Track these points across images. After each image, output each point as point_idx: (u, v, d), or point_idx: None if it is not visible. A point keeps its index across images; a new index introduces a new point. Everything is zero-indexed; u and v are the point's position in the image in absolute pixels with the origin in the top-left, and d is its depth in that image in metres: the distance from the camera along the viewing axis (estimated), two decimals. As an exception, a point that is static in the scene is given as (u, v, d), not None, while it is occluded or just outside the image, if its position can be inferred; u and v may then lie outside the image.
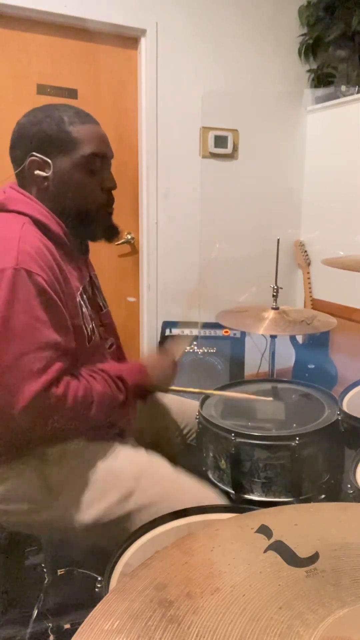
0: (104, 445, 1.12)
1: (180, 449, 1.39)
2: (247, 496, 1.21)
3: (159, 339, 2.76)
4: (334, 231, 2.90)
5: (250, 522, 0.64)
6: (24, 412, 0.91)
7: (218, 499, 1.12)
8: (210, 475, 1.28)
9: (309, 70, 2.97)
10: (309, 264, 3.07)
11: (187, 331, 2.65)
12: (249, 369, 2.73)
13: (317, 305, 3.03)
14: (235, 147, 2.86)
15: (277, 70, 2.91)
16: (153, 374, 1.17)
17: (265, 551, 0.59)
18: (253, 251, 2.86)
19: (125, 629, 0.48)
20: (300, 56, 2.95)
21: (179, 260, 2.83)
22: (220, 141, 2.80)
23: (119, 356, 1.30)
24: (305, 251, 3.09)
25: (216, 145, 2.79)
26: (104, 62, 2.54)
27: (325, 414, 1.30)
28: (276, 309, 1.66)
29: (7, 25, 2.30)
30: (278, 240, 1.77)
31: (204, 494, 1.12)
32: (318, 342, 2.84)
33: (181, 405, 1.45)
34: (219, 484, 1.25)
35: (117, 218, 1.19)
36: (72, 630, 0.80)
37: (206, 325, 2.63)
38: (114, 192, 1.17)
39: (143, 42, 2.56)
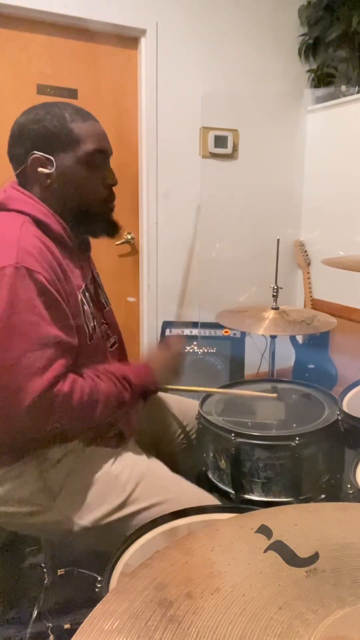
0: (104, 449, 1.12)
1: (180, 448, 1.39)
2: (247, 496, 1.21)
3: (159, 339, 2.76)
4: (334, 231, 2.90)
5: (250, 522, 0.64)
6: (30, 410, 0.90)
7: (216, 502, 1.12)
8: (210, 475, 1.28)
9: (309, 70, 2.97)
10: (309, 264, 3.07)
11: (187, 331, 2.65)
12: (249, 369, 2.73)
13: (317, 305, 3.03)
14: (235, 147, 2.86)
15: (277, 70, 2.91)
16: (158, 373, 1.17)
17: (265, 551, 0.59)
18: (253, 251, 2.86)
19: (125, 629, 0.48)
20: (300, 56, 2.95)
21: (179, 260, 2.83)
22: (220, 141, 2.80)
23: (121, 354, 1.30)
24: (305, 251, 3.08)
25: (216, 145, 2.79)
26: (104, 62, 2.54)
27: (325, 414, 1.30)
28: (276, 309, 1.66)
29: (7, 25, 2.30)
30: (278, 240, 1.77)
31: (203, 499, 1.12)
32: (318, 342, 2.84)
33: (181, 404, 1.45)
34: (219, 484, 1.25)
35: (117, 218, 1.19)
36: (72, 630, 0.80)
37: (206, 325, 2.64)
38: (116, 193, 1.17)
39: (143, 42, 2.56)
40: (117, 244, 2.70)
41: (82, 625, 0.49)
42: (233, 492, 1.22)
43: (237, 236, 2.95)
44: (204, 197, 2.81)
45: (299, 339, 2.91)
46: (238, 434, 1.19)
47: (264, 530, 0.62)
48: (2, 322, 0.91)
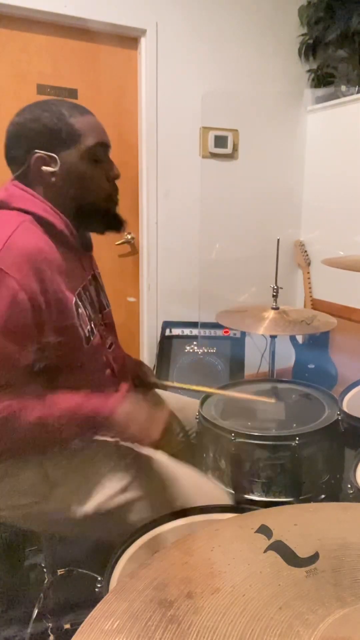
0: (103, 440, 1.12)
1: (179, 448, 1.39)
2: (247, 496, 1.21)
3: (159, 339, 2.76)
4: (334, 231, 2.90)
5: (250, 522, 0.64)
6: None
7: (215, 489, 1.12)
8: (210, 475, 1.28)
9: (309, 70, 2.97)
10: (309, 264, 3.07)
11: (187, 331, 2.65)
12: (249, 369, 2.73)
13: (317, 305, 3.03)
14: (235, 147, 2.86)
15: (277, 70, 2.90)
16: (125, 423, 1.01)
17: (265, 551, 0.59)
18: (253, 251, 2.86)
19: (125, 629, 0.48)
20: (300, 56, 2.94)
21: (179, 260, 2.83)
22: (220, 141, 2.80)
23: (117, 355, 1.29)
24: (305, 251, 3.08)
25: (216, 145, 2.79)
26: (104, 62, 2.54)
27: (325, 414, 1.30)
28: (276, 309, 1.66)
29: (7, 25, 2.30)
30: (278, 240, 1.77)
31: (202, 484, 1.12)
32: (318, 342, 2.84)
33: (180, 403, 1.45)
34: (219, 484, 1.25)
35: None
36: (72, 630, 0.80)
37: (206, 325, 2.64)
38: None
39: (143, 42, 2.56)
40: (117, 244, 2.70)
41: (82, 625, 0.49)
42: (233, 492, 1.22)
43: (237, 236, 2.95)
44: (204, 197, 2.81)
45: (299, 339, 2.91)
46: (238, 434, 1.19)
47: (264, 530, 0.62)
48: None
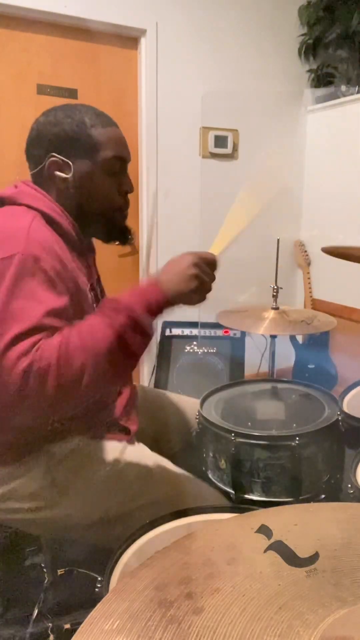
0: (110, 445, 1.12)
1: (179, 447, 1.40)
2: (247, 496, 1.21)
3: (159, 339, 2.75)
4: (334, 231, 2.89)
5: (250, 522, 0.64)
6: (17, 385, 0.81)
7: (221, 499, 1.13)
8: (210, 475, 1.28)
9: (309, 70, 2.97)
10: (309, 264, 3.07)
11: (187, 331, 2.65)
12: (249, 369, 2.73)
13: (317, 305, 3.03)
14: (235, 147, 2.86)
15: (277, 70, 2.90)
16: (170, 287, 0.97)
17: (265, 551, 0.59)
18: (253, 251, 2.85)
19: (125, 629, 0.48)
20: (300, 56, 2.94)
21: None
22: (220, 141, 2.79)
23: None
24: (305, 251, 3.08)
25: (216, 145, 2.79)
26: (104, 62, 2.54)
27: (325, 414, 1.30)
28: (276, 309, 1.66)
29: (7, 25, 2.30)
30: (278, 240, 1.77)
31: (208, 492, 1.12)
32: (318, 342, 2.84)
33: (181, 403, 1.45)
34: (219, 484, 1.25)
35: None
36: (72, 630, 0.80)
37: (206, 325, 2.63)
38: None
39: (143, 42, 2.56)
40: (117, 244, 2.70)
41: (82, 625, 0.49)
42: (233, 492, 1.22)
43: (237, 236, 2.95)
44: (204, 197, 2.81)
45: (299, 339, 2.91)
46: (238, 434, 1.19)
47: (264, 530, 0.62)
48: (1, 307, 0.86)
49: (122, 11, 2.44)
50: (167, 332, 2.68)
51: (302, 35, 2.91)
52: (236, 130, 2.84)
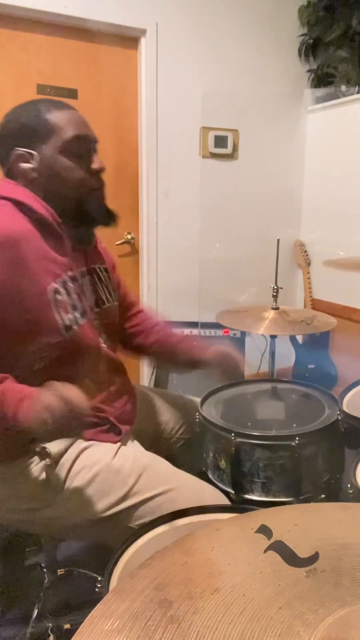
0: (104, 444, 1.12)
1: (178, 446, 1.40)
2: (247, 496, 1.21)
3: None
4: (334, 231, 2.89)
5: (250, 522, 0.64)
6: None
7: (217, 495, 1.12)
8: (210, 475, 1.28)
9: (309, 70, 2.97)
10: (309, 264, 3.07)
11: (187, 331, 2.65)
12: (249, 369, 2.73)
13: (317, 305, 3.03)
14: (235, 147, 2.86)
15: (277, 70, 2.90)
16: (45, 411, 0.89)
17: (265, 551, 0.59)
18: (253, 251, 2.86)
19: (125, 629, 0.48)
20: (300, 56, 2.94)
21: (179, 260, 2.83)
22: (220, 141, 2.79)
23: (112, 356, 1.26)
24: (305, 251, 3.08)
25: (216, 145, 2.79)
26: (104, 62, 2.54)
27: (325, 414, 1.30)
28: (276, 309, 1.66)
29: (7, 25, 2.30)
30: (278, 240, 1.77)
31: (204, 488, 1.12)
32: (318, 342, 2.84)
33: (180, 401, 1.45)
34: (219, 484, 1.25)
35: (118, 218, 1.18)
36: (72, 630, 0.80)
37: (206, 325, 2.63)
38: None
39: (143, 42, 2.56)
40: (117, 244, 2.70)
41: (82, 625, 0.49)
42: (233, 492, 1.22)
43: (237, 236, 2.95)
44: (204, 197, 2.81)
45: (299, 339, 2.91)
46: (238, 434, 1.19)
47: (264, 530, 0.62)
48: None
49: (122, 11, 2.44)
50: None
51: (302, 35, 2.91)
52: (236, 130, 2.84)
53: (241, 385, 1.53)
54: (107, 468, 1.08)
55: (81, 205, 1.11)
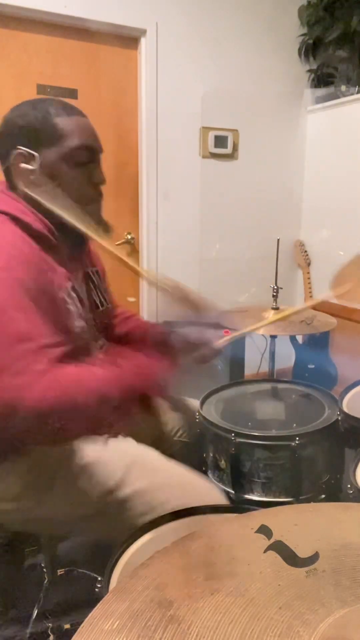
0: (91, 439, 1.11)
1: (178, 446, 1.39)
2: (247, 496, 1.21)
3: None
4: (334, 231, 2.89)
5: (250, 522, 0.64)
6: (22, 409, 0.86)
7: (211, 488, 1.11)
8: (210, 475, 1.28)
9: (309, 70, 2.97)
10: (309, 264, 3.07)
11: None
12: (249, 369, 2.73)
13: (317, 305, 3.02)
14: (235, 147, 2.86)
15: (277, 70, 2.90)
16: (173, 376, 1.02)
17: (265, 551, 0.59)
18: (253, 251, 2.86)
19: (125, 629, 0.48)
20: (300, 56, 2.94)
21: (179, 260, 2.83)
22: (220, 141, 2.79)
23: (111, 358, 1.26)
24: (305, 251, 3.08)
25: (216, 145, 2.79)
26: (104, 62, 2.54)
27: (325, 414, 1.30)
28: (276, 309, 1.66)
29: (7, 25, 2.30)
30: (278, 240, 1.77)
31: (196, 481, 1.11)
32: (318, 342, 2.84)
33: (180, 405, 1.45)
34: (219, 484, 1.25)
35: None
36: (72, 630, 0.80)
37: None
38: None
39: (143, 42, 2.56)
40: (117, 244, 2.70)
41: (82, 625, 0.49)
42: (233, 492, 1.22)
43: (237, 236, 2.95)
44: (204, 197, 2.81)
45: (299, 339, 2.91)
46: (238, 434, 1.19)
47: (264, 530, 0.62)
48: None
49: (122, 11, 2.44)
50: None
51: (302, 35, 2.91)
52: (236, 130, 2.84)
53: (241, 385, 1.53)
54: (94, 461, 1.07)
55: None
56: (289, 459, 1.17)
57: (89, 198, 1.10)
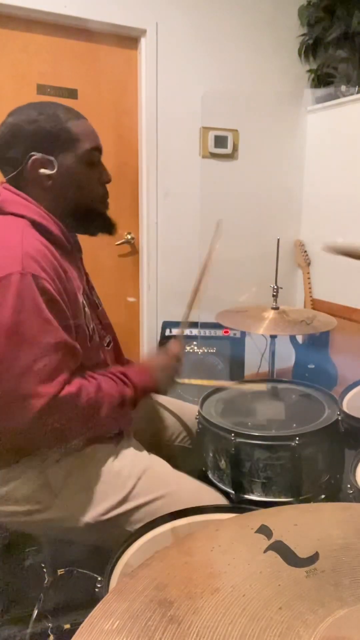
0: (104, 446, 1.12)
1: (178, 451, 1.39)
2: (247, 496, 1.21)
3: (159, 339, 2.75)
4: (334, 231, 2.89)
5: (250, 522, 0.64)
6: (39, 416, 0.90)
7: (218, 498, 1.12)
8: (210, 475, 1.28)
9: (309, 70, 2.97)
10: (309, 264, 3.07)
11: (187, 331, 2.65)
12: (249, 369, 2.73)
13: (317, 305, 3.03)
14: (235, 147, 2.86)
15: (277, 70, 2.90)
16: (157, 375, 1.17)
17: (265, 551, 0.59)
18: (253, 251, 2.86)
19: (125, 629, 0.48)
20: (300, 56, 2.95)
21: (179, 260, 2.83)
22: (220, 141, 2.80)
23: (117, 353, 1.30)
24: (305, 251, 3.08)
25: (216, 145, 2.79)
26: (104, 62, 2.54)
27: (325, 414, 1.30)
28: (276, 309, 1.66)
29: (7, 25, 2.30)
30: (278, 240, 1.77)
31: (204, 491, 1.12)
32: (318, 342, 2.84)
33: (180, 407, 1.45)
34: (219, 484, 1.25)
35: (117, 218, 1.19)
36: (72, 630, 0.80)
37: (206, 325, 2.63)
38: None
39: (143, 42, 2.56)
40: (117, 244, 2.70)
41: (82, 625, 0.49)
42: (233, 492, 1.22)
43: (237, 236, 2.94)
44: (204, 197, 2.81)
45: (299, 339, 2.91)
46: (238, 434, 1.19)
47: (264, 530, 0.62)
48: (10, 330, 0.91)
49: (122, 11, 2.45)
50: (167, 332, 2.68)
51: (302, 35, 2.91)
52: (236, 130, 2.84)
53: (241, 385, 1.53)
54: (106, 470, 1.08)
55: (90, 216, 1.13)
56: (289, 459, 1.17)
57: (100, 197, 1.14)
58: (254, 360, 2.70)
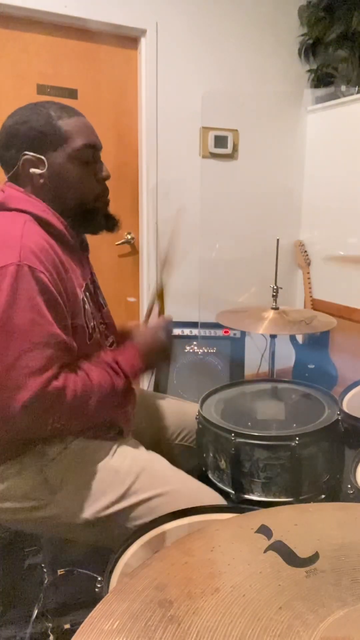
0: (103, 443, 1.12)
1: (178, 450, 1.39)
2: (247, 496, 1.21)
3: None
4: (334, 231, 2.90)
5: (250, 522, 0.64)
6: (26, 409, 0.90)
7: (217, 496, 1.12)
8: (210, 475, 1.28)
9: (309, 70, 2.97)
10: (309, 264, 3.07)
11: (187, 331, 2.65)
12: (249, 369, 2.73)
13: (317, 305, 3.03)
14: (235, 147, 2.86)
15: (277, 70, 2.90)
16: (146, 352, 1.15)
17: (265, 551, 0.59)
18: (253, 251, 2.86)
19: (125, 629, 0.48)
20: (300, 56, 2.94)
21: (179, 260, 2.83)
22: (220, 141, 2.80)
23: None
24: (305, 251, 3.08)
25: (216, 145, 2.79)
26: (104, 62, 2.54)
27: (325, 414, 1.30)
28: (276, 309, 1.66)
29: (7, 25, 2.30)
30: (278, 240, 1.77)
31: (203, 490, 1.12)
32: (318, 342, 2.84)
33: (180, 407, 1.45)
34: (219, 484, 1.25)
35: (117, 218, 1.19)
36: (72, 630, 0.80)
37: (206, 325, 2.63)
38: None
39: (143, 42, 2.56)
40: (117, 244, 2.70)
41: (82, 625, 0.49)
42: (233, 492, 1.22)
43: (237, 236, 2.95)
44: (204, 197, 2.81)
45: (299, 339, 2.91)
46: (238, 434, 1.19)
47: (264, 530, 0.62)
48: (1, 321, 0.91)
49: (122, 11, 2.44)
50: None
51: (302, 35, 2.91)
52: (236, 130, 2.84)
53: (241, 385, 1.53)
54: (105, 467, 1.08)
55: (87, 212, 1.12)
56: (289, 458, 1.17)
57: (96, 194, 1.13)
58: (254, 360, 2.70)
